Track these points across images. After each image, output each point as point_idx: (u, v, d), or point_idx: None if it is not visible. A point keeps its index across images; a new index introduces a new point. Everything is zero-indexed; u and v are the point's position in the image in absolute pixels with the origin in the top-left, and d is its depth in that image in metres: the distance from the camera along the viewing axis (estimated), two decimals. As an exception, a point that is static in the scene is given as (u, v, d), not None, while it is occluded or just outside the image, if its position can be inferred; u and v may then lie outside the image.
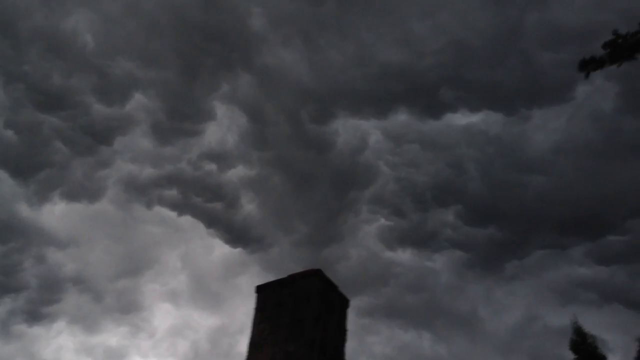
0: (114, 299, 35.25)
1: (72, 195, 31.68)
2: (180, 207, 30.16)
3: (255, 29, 25.39)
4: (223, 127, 31.06)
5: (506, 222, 26.95)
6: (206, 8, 23.87)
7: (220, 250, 39.91)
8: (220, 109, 29.73)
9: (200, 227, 38.19)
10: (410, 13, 23.22)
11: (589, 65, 2.37)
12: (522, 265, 29.49)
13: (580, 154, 21.38)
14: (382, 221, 31.46)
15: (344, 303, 11.79)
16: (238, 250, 35.15)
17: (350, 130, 30.57)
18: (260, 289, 12.90)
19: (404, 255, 33.09)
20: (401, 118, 30.26)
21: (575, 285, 27.11)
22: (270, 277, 30.35)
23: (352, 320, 23.14)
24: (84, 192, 31.01)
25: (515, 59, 22.26)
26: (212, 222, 30.56)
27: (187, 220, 37.95)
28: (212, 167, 29.84)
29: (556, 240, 25.81)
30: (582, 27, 17.29)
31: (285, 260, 31.39)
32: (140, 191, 31.19)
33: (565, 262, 28.93)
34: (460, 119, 32.72)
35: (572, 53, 15.01)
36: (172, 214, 32.98)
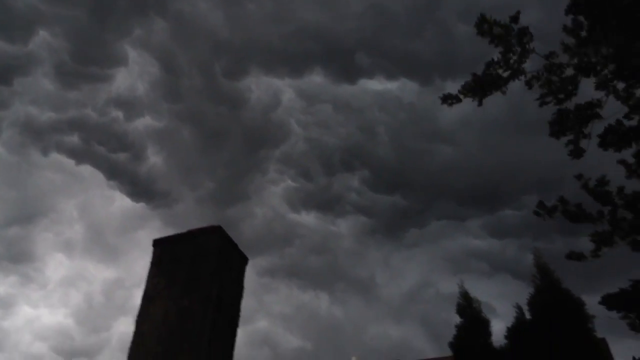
0: (3, 247, 33.63)
1: (-40, 136, 29.77)
2: (80, 156, 28.90)
3: None
4: (134, 73, 30.01)
5: (411, 191, 27.96)
6: None
7: (120, 202, 38.80)
8: (132, 55, 28.75)
9: (100, 177, 36.88)
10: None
11: (447, 100, 2.54)
12: (422, 233, 30.83)
13: (487, 127, 22.47)
14: (289, 182, 31.80)
15: (242, 261, 12.87)
16: (140, 205, 34.29)
17: (263, 87, 30.55)
18: (157, 243, 13.88)
19: (308, 218, 33.68)
20: (316, 79, 30.50)
21: (469, 255, 28.70)
22: (171, 233, 29.85)
23: (253, 279, 23.03)
24: None
25: (434, 29, 22.92)
26: (113, 173, 29.51)
27: (86, 169, 36.47)
28: (118, 114, 28.72)
29: (456, 211, 27.10)
30: (499, 2, 17.89)
31: (189, 216, 31.08)
32: (37, 136, 29.65)
33: (462, 234, 30.50)
34: (376, 85, 33.31)
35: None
36: (70, 162, 31.57)
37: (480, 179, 19.68)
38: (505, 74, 2.49)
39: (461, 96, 2.50)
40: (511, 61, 2.50)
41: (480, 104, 2.55)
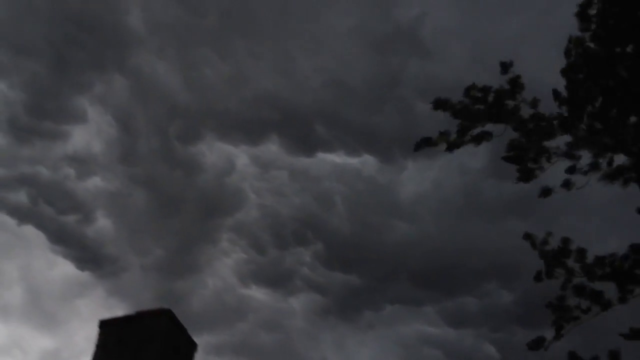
0: None
1: None
2: (24, 215, 27.71)
3: (132, 28, 24.36)
4: (91, 131, 29.33)
5: (366, 268, 27.33)
6: None
7: (63, 267, 37.38)
8: (90, 111, 28.13)
9: (43, 239, 35.23)
10: (293, 45, 23.49)
11: (422, 145, 2.56)
12: (377, 316, 30.02)
13: (444, 207, 22.49)
14: (240, 254, 30.83)
15: (191, 347, 11.59)
16: (85, 273, 32.89)
17: (217, 152, 30.15)
18: (103, 325, 12.40)
19: (259, 293, 32.92)
20: (272, 148, 30.14)
21: (424, 343, 28.04)
22: (116, 303, 28.98)
23: (200, 358, 22.28)
24: None
25: (394, 105, 23.04)
26: (59, 236, 28.20)
27: (29, 230, 34.82)
28: (70, 172, 27.76)
29: (412, 294, 26.40)
30: (458, 80, 18.49)
31: (135, 286, 29.74)
32: None
33: (417, 319, 29.99)
34: (335, 158, 33.08)
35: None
36: (12, 222, 30.19)
37: (437, 260, 19.82)
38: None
39: (437, 141, 2.50)
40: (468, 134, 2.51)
41: (451, 151, 2.53)
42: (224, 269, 33.64)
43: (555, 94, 2.41)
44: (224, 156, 28.57)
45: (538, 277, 2.55)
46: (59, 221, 26.16)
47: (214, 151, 28.81)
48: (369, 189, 25.32)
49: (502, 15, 14.35)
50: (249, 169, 29.73)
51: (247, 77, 25.14)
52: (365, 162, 31.98)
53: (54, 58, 22.45)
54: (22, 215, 26.25)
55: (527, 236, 2.59)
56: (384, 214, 25.89)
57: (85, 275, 35.90)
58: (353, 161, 33.87)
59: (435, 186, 23.84)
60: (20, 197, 26.84)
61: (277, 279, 30.36)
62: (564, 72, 2.39)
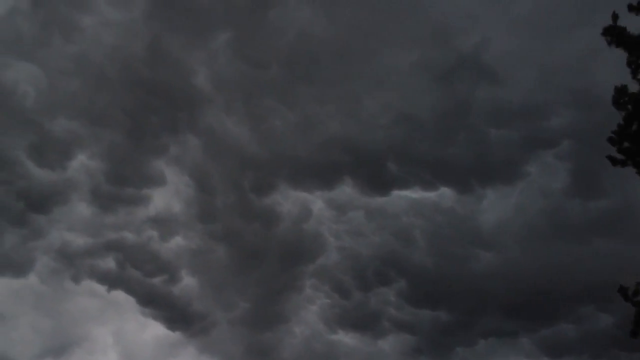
0: (38, 380, 33.04)
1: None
2: (113, 281, 28.55)
3: (199, 88, 25.12)
4: (170, 192, 30.22)
5: (453, 303, 26.56)
6: (152, 63, 23.45)
7: (154, 329, 38.06)
8: (168, 173, 29.02)
9: (132, 303, 36.16)
10: (356, 86, 23.66)
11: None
12: (471, 352, 29.00)
13: (526, 232, 21.82)
14: (324, 299, 30.60)
15: None
16: (176, 333, 33.45)
17: (293, 200, 30.23)
18: None
19: (346, 339, 32.42)
20: (346, 190, 30.05)
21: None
22: (207, 360, 29.36)
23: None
24: (9, 266, 29.30)
25: (465, 134, 22.81)
26: (148, 299, 28.81)
27: (119, 294, 35.82)
28: (153, 234, 28.51)
29: (505, 326, 25.45)
30: (529, 105, 18.00)
31: (225, 341, 30.07)
32: (70, 262, 29.56)
33: (513, 352, 28.74)
34: (411, 194, 32.63)
35: (520, 130, 15.66)
36: (102, 288, 31.10)
37: (527, 287, 19.06)
38: None
39: None
40: None
41: None
42: (310, 316, 33.43)
43: None
44: (299, 203, 28.63)
45: (634, 333, 2.53)
46: (147, 283, 26.70)
47: (289, 199, 28.99)
48: (448, 221, 24.79)
49: (565, 31, 14.11)
50: (325, 213, 29.65)
51: (314, 122, 25.34)
52: (443, 195, 31.31)
53: (128, 125, 23.36)
54: (111, 281, 26.93)
55: (621, 289, 2.72)
56: (467, 244, 25.18)
57: (176, 335, 36.33)
58: (430, 195, 33.25)
59: (517, 211, 23.06)
60: (109, 263, 27.62)
61: (364, 322, 29.84)
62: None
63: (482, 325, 25.85)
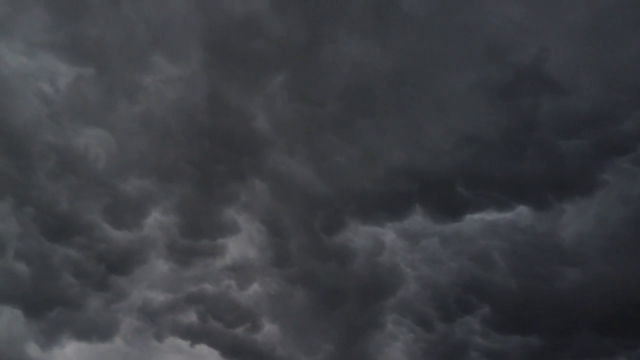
0: None
1: (82, 334, 30.43)
2: (195, 335, 28.56)
3: (261, 132, 25.25)
4: (243, 239, 30.26)
5: (542, 325, 25.42)
6: (213, 112, 23.87)
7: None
8: (239, 220, 29.15)
9: (216, 355, 36.11)
10: (416, 113, 23.38)
11: None
12: (571, 378, 27.75)
13: (611, 243, 20.83)
14: (408, 334, 29.77)
15: None
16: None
17: (364, 235, 29.79)
18: None
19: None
20: (417, 219, 29.40)
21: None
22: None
23: None
24: (95, 330, 29.85)
25: (535, 149, 22.11)
26: (231, 349, 28.66)
27: (202, 348, 35.77)
28: (231, 282, 28.45)
29: (600, 345, 24.12)
30: (597, 111, 17.32)
31: (312, 389, 29.72)
32: (153, 320, 29.96)
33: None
34: (485, 216, 31.53)
35: (591, 138, 15.17)
36: (185, 344, 31.19)
37: (618, 302, 18.23)
38: None
39: None
40: None
41: None
42: (395, 353, 32.46)
43: None
44: (371, 237, 28.26)
45: None
46: (229, 334, 26.64)
47: (360, 234, 28.64)
48: (528, 239, 23.88)
49: (627, 33, 13.68)
50: (398, 244, 29.04)
51: (377, 154, 25.06)
52: (520, 214, 30.15)
53: (197, 176, 23.78)
54: (194, 335, 26.99)
55: None
56: (550, 262, 24.14)
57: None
58: (506, 215, 32.11)
59: (598, 222, 21.93)
60: (190, 317, 27.75)
61: (450, 354, 28.89)
62: None
63: (576, 346, 24.78)
